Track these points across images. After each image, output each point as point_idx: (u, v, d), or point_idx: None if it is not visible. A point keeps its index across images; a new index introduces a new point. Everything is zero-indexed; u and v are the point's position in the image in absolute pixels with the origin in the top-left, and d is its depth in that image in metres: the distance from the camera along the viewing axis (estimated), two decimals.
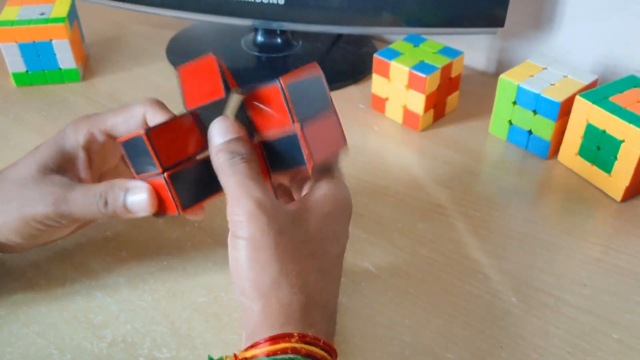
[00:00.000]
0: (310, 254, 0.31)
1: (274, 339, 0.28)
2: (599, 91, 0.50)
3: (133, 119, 0.38)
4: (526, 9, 0.64)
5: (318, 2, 0.61)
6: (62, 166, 0.38)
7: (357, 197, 0.50)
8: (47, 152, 0.38)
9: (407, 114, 0.58)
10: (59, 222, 0.37)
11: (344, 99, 0.64)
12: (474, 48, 0.69)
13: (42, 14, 0.63)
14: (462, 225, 0.48)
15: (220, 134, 0.34)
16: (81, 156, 0.39)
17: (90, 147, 0.39)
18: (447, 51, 0.58)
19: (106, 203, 0.36)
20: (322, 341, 0.29)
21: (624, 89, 0.50)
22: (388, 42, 0.75)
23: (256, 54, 0.70)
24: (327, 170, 0.36)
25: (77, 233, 0.46)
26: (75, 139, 0.38)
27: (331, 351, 0.30)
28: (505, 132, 0.57)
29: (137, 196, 0.36)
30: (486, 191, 0.51)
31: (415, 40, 0.59)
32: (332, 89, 0.65)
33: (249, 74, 0.67)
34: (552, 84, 0.53)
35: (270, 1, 0.61)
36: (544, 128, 0.53)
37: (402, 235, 0.47)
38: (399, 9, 0.60)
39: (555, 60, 0.56)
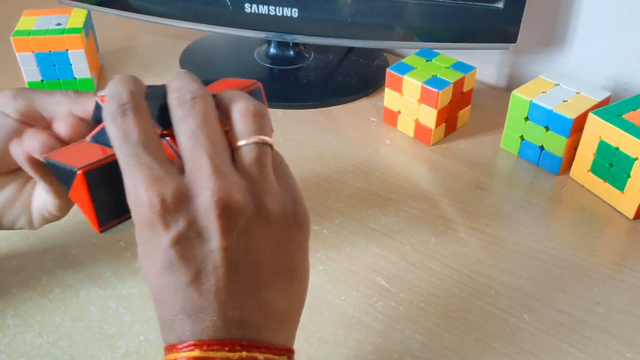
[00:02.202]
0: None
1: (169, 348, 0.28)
2: (612, 108, 0.50)
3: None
4: (539, 25, 0.64)
5: (331, 16, 0.61)
6: None
7: (368, 211, 0.51)
8: None
9: (419, 128, 0.58)
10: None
11: (355, 111, 0.64)
12: (485, 62, 0.70)
13: (59, 24, 0.63)
14: (473, 241, 0.48)
15: None
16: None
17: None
18: (460, 66, 0.58)
19: (76, 95, 0.34)
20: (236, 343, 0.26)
21: (637, 106, 0.50)
22: (399, 55, 0.75)
23: (269, 65, 0.70)
24: None
25: (90, 243, 0.47)
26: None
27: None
28: (517, 148, 0.57)
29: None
30: (497, 206, 0.51)
31: (428, 55, 0.60)
32: (344, 101, 0.65)
33: None
34: (564, 101, 0.53)
35: (284, 14, 0.62)
36: (556, 144, 0.53)
37: (414, 250, 0.47)
38: (411, 23, 0.60)
39: (567, 77, 0.56)
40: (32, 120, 0.34)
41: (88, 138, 0.31)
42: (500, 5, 0.56)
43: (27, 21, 0.64)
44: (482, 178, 0.55)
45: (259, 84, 0.33)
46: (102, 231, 0.29)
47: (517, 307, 0.42)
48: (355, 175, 0.55)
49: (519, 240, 0.48)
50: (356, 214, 0.50)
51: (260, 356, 0.27)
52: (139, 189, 0.26)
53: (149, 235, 0.27)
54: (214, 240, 0.26)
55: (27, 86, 0.64)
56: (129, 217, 0.29)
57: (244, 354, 0.26)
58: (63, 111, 0.33)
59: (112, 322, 0.41)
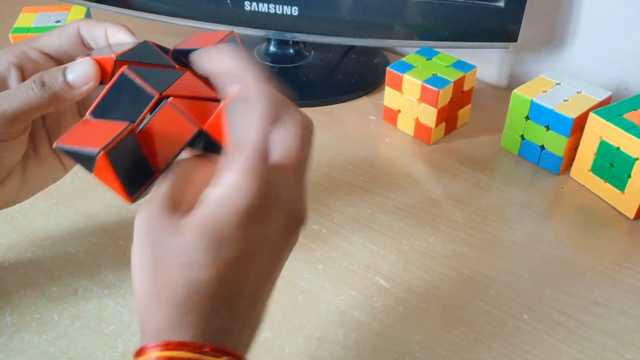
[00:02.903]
0: (184, 264, 0.27)
1: (138, 352, 0.26)
2: (613, 108, 0.50)
3: (66, 33, 0.36)
4: (540, 24, 0.64)
5: (331, 14, 0.61)
6: None
7: (367, 210, 0.50)
8: None
9: (419, 126, 0.58)
10: None
11: (355, 110, 0.64)
12: (485, 61, 0.69)
13: (58, 21, 0.63)
14: (473, 240, 0.48)
15: None
16: (13, 74, 0.35)
17: (23, 65, 0.35)
18: (460, 65, 0.58)
19: (43, 84, 0.33)
20: (209, 347, 0.26)
21: (638, 106, 0.50)
22: (400, 54, 0.75)
23: (269, 64, 0.70)
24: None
25: (89, 241, 0.46)
26: (6, 59, 0.35)
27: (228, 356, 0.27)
28: (517, 147, 0.56)
29: (78, 68, 0.33)
30: (497, 206, 0.51)
31: (428, 54, 0.59)
32: (344, 100, 0.65)
33: None
34: (565, 100, 0.53)
35: (285, 12, 0.61)
36: (557, 144, 0.53)
37: (413, 250, 0.47)
38: (411, 22, 0.60)
39: (568, 76, 0.56)
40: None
41: (88, 115, 0.31)
42: (501, 4, 0.56)
43: (26, 18, 0.64)
44: (482, 177, 0.54)
45: (235, 33, 0.33)
46: (133, 201, 0.30)
47: (517, 308, 0.42)
48: (354, 174, 0.55)
49: (519, 240, 0.48)
50: (355, 212, 0.50)
51: None
52: (303, 192, 0.29)
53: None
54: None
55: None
56: (154, 180, 0.30)
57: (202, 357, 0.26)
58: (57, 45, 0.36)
59: (110, 321, 0.41)
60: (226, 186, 0.27)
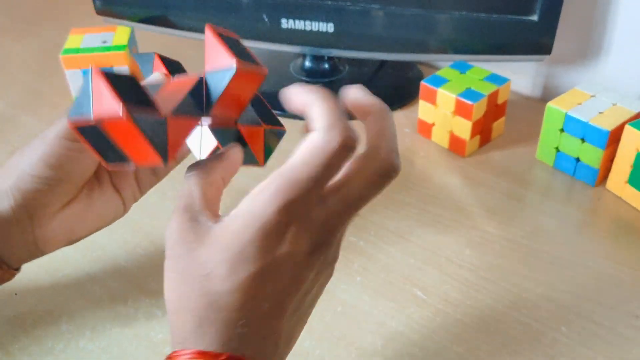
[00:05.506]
0: (204, 276, 0.29)
1: (169, 357, 0.29)
2: None
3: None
4: (574, 36, 0.64)
5: (366, 30, 0.63)
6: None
7: (403, 222, 0.51)
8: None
9: (454, 139, 0.59)
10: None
11: None
12: (519, 73, 0.70)
13: (104, 42, 0.66)
14: (509, 252, 0.48)
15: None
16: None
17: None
18: (494, 78, 0.58)
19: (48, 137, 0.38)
20: (225, 355, 0.28)
21: None
22: (434, 67, 0.76)
23: (304, 79, 0.72)
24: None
25: (137, 253, 0.49)
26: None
27: None
28: (552, 159, 0.57)
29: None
30: (533, 218, 0.52)
31: (462, 67, 0.60)
32: None
33: None
34: (600, 112, 0.53)
35: (320, 29, 0.63)
36: (592, 156, 0.53)
37: (449, 262, 0.48)
38: (445, 36, 0.61)
39: (603, 88, 0.56)
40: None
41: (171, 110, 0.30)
42: (535, 17, 0.57)
43: (74, 39, 0.67)
44: (517, 189, 0.55)
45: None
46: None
47: (554, 319, 0.42)
48: (390, 187, 0.55)
49: (555, 252, 0.48)
50: (392, 225, 0.51)
51: None
52: (339, 228, 0.32)
53: None
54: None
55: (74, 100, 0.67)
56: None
57: None
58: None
59: (158, 330, 0.43)
60: (253, 201, 0.29)
